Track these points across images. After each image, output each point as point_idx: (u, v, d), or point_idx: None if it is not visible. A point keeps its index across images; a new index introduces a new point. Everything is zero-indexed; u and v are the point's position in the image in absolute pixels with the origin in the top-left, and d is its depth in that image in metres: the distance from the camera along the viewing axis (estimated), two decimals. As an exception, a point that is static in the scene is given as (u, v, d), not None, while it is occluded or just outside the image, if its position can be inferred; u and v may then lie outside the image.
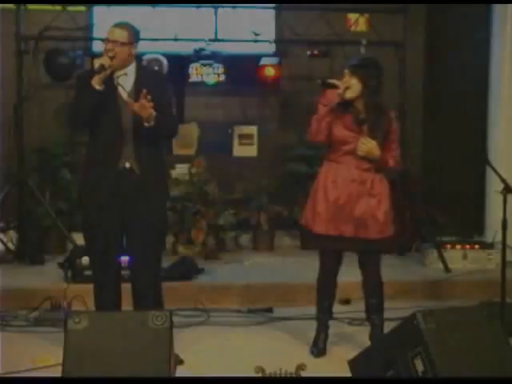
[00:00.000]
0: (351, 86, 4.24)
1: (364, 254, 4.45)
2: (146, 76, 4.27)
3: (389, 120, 4.35)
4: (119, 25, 4.21)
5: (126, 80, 4.20)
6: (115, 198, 4.17)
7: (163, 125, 4.14)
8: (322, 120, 4.26)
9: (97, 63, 4.08)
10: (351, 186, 4.31)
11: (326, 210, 4.31)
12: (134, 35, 4.23)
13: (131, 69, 4.22)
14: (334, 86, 4.24)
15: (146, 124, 4.05)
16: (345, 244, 4.35)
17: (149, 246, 4.25)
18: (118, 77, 4.18)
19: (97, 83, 4.06)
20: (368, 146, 4.25)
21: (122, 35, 4.15)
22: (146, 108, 4.01)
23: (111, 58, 4.10)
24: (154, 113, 4.02)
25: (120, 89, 4.18)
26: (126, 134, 4.16)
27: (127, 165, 4.18)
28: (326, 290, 4.52)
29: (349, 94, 4.25)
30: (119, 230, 4.25)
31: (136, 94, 4.12)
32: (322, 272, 4.49)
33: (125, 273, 4.49)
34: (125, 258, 4.56)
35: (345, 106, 4.28)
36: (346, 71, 4.29)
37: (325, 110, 4.25)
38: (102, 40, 4.25)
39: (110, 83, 4.15)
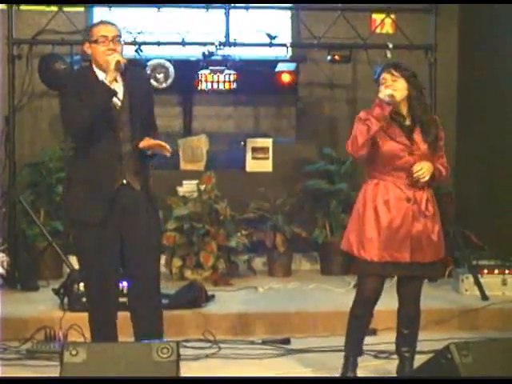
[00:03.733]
0: (398, 89, 4.21)
1: (407, 281, 4.42)
2: (134, 81, 4.29)
3: (437, 124, 4.35)
4: (108, 22, 4.24)
5: (117, 87, 4.19)
6: (113, 218, 4.18)
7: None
8: (372, 134, 4.18)
9: (113, 60, 4.06)
10: (406, 207, 4.27)
11: (377, 235, 4.26)
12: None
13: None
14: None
15: (148, 153, 4.24)
16: (399, 270, 4.33)
17: (150, 268, 4.27)
18: (110, 82, 4.13)
19: (110, 81, 4.08)
20: (425, 168, 4.20)
21: (117, 31, 4.19)
22: (151, 146, 4.19)
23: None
24: (159, 150, 4.22)
25: (114, 98, 4.16)
26: (123, 147, 4.19)
27: (124, 181, 4.21)
28: (361, 321, 4.46)
29: (398, 97, 4.22)
30: (117, 252, 4.25)
31: (129, 102, 4.18)
32: (360, 300, 4.43)
33: (123, 300, 4.49)
34: (124, 284, 4.56)
35: (392, 115, 4.25)
36: (387, 76, 4.23)
37: (379, 126, 4.17)
38: (94, 41, 4.17)
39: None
